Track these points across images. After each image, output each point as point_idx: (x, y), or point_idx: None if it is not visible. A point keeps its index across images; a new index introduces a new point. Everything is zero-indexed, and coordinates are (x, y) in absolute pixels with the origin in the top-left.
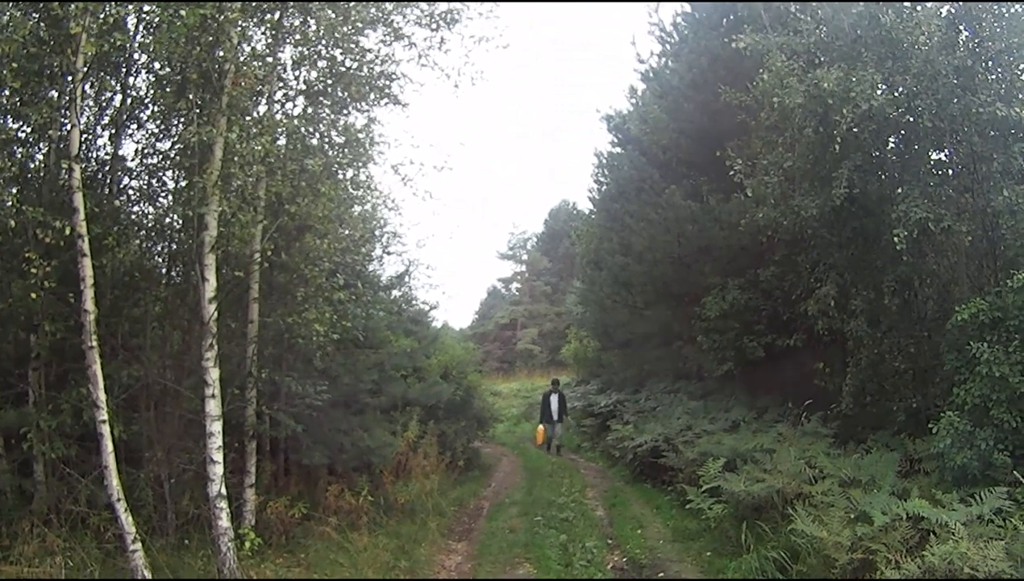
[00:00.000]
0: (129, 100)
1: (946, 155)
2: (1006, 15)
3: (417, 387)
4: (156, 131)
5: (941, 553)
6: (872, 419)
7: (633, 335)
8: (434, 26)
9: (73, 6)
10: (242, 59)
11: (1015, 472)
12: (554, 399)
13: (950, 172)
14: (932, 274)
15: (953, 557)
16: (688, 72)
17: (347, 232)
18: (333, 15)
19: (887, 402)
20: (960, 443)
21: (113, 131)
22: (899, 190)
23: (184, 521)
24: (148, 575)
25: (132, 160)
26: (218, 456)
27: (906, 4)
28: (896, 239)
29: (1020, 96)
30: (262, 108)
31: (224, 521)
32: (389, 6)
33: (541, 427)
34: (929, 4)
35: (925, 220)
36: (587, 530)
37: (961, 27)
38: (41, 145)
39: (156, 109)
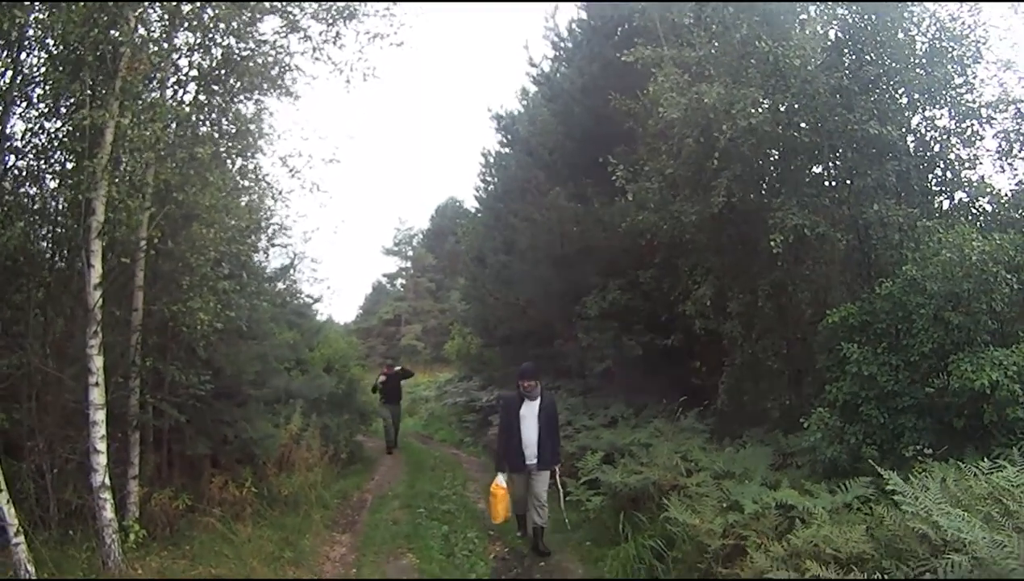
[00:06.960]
0: (20, 78)
1: (824, 169)
2: (887, 43)
3: (300, 379)
4: (46, 110)
5: (806, 536)
6: (747, 416)
7: (514, 332)
8: (330, 20)
9: None
10: (138, 42)
11: (881, 465)
12: (530, 412)
13: (827, 185)
14: (807, 280)
15: (817, 540)
16: (579, 77)
17: (233, 222)
18: (230, 2)
19: (762, 400)
20: (830, 438)
21: (1, 108)
22: (777, 200)
23: (67, 513)
24: (32, 569)
25: (19, 139)
26: (101, 446)
27: (795, 26)
28: (772, 243)
29: (896, 118)
30: (155, 93)
31: (108, 513)
32: None
33: (501, 480)
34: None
35: (801, 226)
36: (469, 522)
37: (845, 50)
38: None
39: (47, 88)
